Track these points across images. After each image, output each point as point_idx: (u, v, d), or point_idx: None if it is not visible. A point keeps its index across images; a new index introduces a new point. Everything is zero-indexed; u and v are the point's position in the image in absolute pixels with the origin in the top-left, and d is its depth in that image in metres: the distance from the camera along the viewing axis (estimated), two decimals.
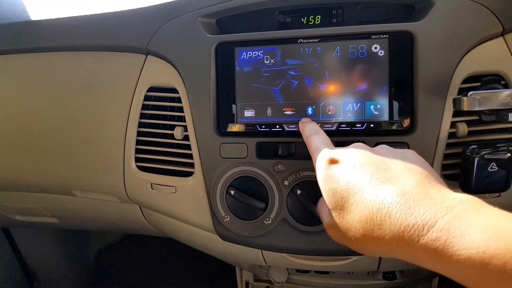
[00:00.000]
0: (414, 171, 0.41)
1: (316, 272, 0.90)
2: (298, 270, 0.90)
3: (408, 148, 0.59)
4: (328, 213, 0.47)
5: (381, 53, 0.60)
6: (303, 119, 0.60)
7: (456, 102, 0.53)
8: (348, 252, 0.65)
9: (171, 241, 0.90)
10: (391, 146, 0.58)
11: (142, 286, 1.45)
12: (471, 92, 0.52)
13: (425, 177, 0.41)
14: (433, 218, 0.34)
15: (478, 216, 0.33)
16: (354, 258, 0.68)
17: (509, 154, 0.55)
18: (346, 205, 0.42)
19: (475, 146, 0.56)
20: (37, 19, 0.74)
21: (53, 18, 0.73)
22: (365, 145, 0.49)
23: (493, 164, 0.55)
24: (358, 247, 0.44)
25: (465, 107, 0.51)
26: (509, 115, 0.51)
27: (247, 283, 1.03)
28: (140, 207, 0.80)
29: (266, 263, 0.75)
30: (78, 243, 1.47)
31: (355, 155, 0.45)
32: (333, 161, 0.46)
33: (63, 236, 1.40)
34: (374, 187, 0.40)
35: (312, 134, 0.54)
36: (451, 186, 0.58)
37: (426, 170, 0.42)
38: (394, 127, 0.60)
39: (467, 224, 0.32)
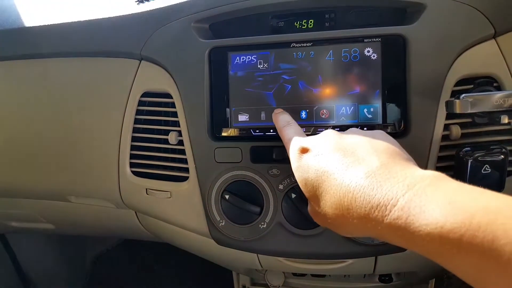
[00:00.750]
0: (380, 151, 0.42)
1: (313, 275, 0.90)
2: (294, 274, 0.90)
3: None
4: (308, 202, 0.48)
5: (374, 56, 0.60)
6: (276, 110, 0.61)
7: (448, 104, 0.54)
8: (344, 256, 0.66)
9: (168, 246, 0.90)
10: None
11: None
12: (463, 95, 0.52)
13: (390, 155, 0.41)
14: (394, 197, 0.35)
15: (437, 191, 0.33)
16: (350, 261, 0.68)
17: (502, 156, 0.55)
18: (318, 192, 0.43)
19: (468, 148, 0.56)
20: (31, 25, 0.74)
21: (46, 24, 0.73)
22: (334, 131, 0.50)
23: (486, 166, 0.55)
24: (337, 230, 0.45)
25: (458, 110, 0.52)
26: (501, 117, 0.51)
27: (244, 287, 1.03)
28: (135, 212, 0.80)
29: (262, 267, 0.75)
30: (75, 248, 1.47)
31: (323, 142, 0.46)
32: (304, 150, 0.47)
33: (59, 242, 1.40)
34: (340, 173, 0.41)
35: (285, 126, 0.55)
36: None
37: (393, 148, 0.43)
38: (387, 130, 0.60)
39: (426, 201, 0.33)
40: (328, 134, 0.48)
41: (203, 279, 1.40)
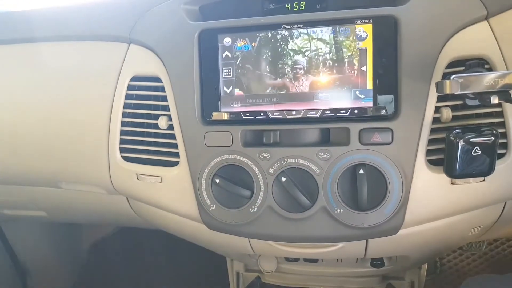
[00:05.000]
0: None
1: (305, 260, 0.90)
2: (287, 259, 0.90)
3: (392, 133, 0.58)
4: None
5: (365, 38, 0.59)
6: None
7: (438, 85, 0.53)
8: (334, 239, 0.66)
9: (164, 233, 0.90)
10: (375, 131, 0.59)
11: (135, 279, 1.45)
12: (453, 76, 0.51)
13: None
14: None
15: None
16: (341, 245, 0.68)
17: (493, 138, 0.55)
18: None
19: (459, 130, 0.56)
20: (16, 10, 0.73)
21: (32, 8, 0.72)
22: None
23: (476, 148, 0.55)
24: None
25: (447, 91, 0.51)
26: (492, 97, 0.51)
27: (238, 274, 1.04)
28: (127, 198, 0.80)
29: (254, 251, 0.75)
30: (70, 237, 1.46)
31: None
32: None
33: (55, 231, 1.39)
34: None
35: None
36: (436, 172, 0.59)
37: None
38: (378, 113, 0.60)
39: None
40: None
41: (199, 266, 1.40)
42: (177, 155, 0.66)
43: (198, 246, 0.86)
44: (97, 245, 1.53)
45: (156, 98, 0.68)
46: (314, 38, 0.60)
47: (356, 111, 0.60)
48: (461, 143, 0.55)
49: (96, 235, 1.53)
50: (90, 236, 1.52)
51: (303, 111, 0.61)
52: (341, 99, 0.60)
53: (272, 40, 0.61)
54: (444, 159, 0.57)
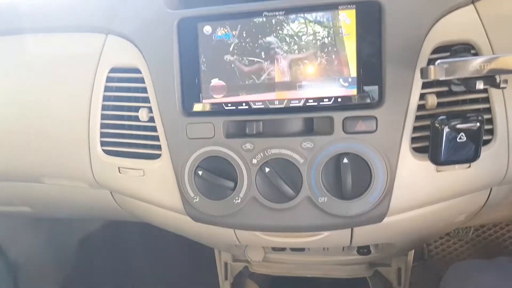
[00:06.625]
0: None
1: (292, 249, 0.90)
2: (274, 249, 0.90)
3: (376, 121, 0.57)
4: None
5: (348, 24, 0.58)
6: None
7: (423, 71, 0.52)
8: (319, 228, 0.65)
9: (151, 226, 0.89)
10: (359, 120, 0.58)
11: (123, 272, 1.45)
12: (438, 61, 0.50)
13: None
14: None
15: None
16: (325, 233, 0.68)
17: (478, 124, 0.54)
18: None
19: (444, 117, 0.55)
20: None
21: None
22: None
23: (462, 135, 0.54)
24: None
25: (432, 76, 0.50)
26: (477, 83, 0.50)
27: (226, 264, 1.03)
28: (111, 192, 0.78)
29: (240, 242, 0.74)
30: (60, 232, 1.45)
31: None
32: None
33: (44, 226, 1.38)
34: None
35: None
36: (421, 159, 0.59)
37: None
38: (362, 101, 0.58)
39: None
40: None
41: (188, 257, 1.40)
42: (158, 147, 0.65)
43: (186, 238, 0.86)
44: (86, 240, 1.52)
45: (136, 89, 0.66)
46: (297, 25, 0.59)
47: (339, 100, 0.59)
48: (446, 129, 0.54)
49: (85, 230, 1.52)
50: (79, 231, 1.51)
51: (285, 101, 0.60)
52: (324, 88, 0.59)
53: (254, 28, 0.60)
54: (429, 146, 0.56)
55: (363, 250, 0.86)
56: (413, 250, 0.96)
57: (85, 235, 1.52)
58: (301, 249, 0.90)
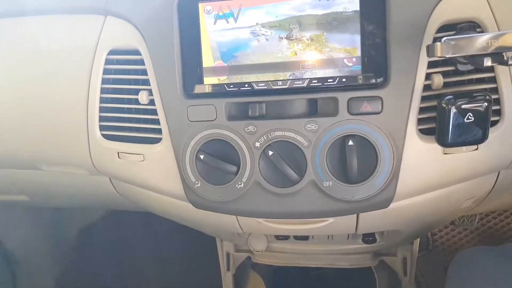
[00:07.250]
0: None
1: (296, 238, 0.88)
2: (277, 238, 0.88)
3: (382, 101, 0.56)
4: None
5: (353, 2, 0.56)
6: None
7: (429, 49, 0.50)
8: (324, 213, 0.64)
9: (153, 216, 0.88)
10: (364, 100, 0.57)
11: (126, 264, 1.44)
12: (445, 38, 0.49)
13: None
14: None
15: None
16: (331, 220, 0.67)
17: (486, 104, 0.53)
18: None
19: (450, 96, 0.53)
20: None
21: None
22: None
23: (469, 115, 0.53)
24: None
25: (439, 54, 0.49)
26: (485, 60, 0.49)
27: (228, 254, 1.02)
28: (110, 179, 0.77)
29: (242, 230, 0.73)
30: (58, 224, 1.44)
31: None
32: None
33: (42, 217, 1.37)
34: None
35: None
36: (427, 141, 0.57)
37: None
38: (367, 81, 0.57)
39: None
40: None
41: (189, 248, 1.39)
42: (159, 131, 0.64)
43: (187, 228, 0.84)
44: (85, 231, 1.51)
45: (135, 72, 0.65)
46: (301, 7, 0.57)
47: (344, 80, 0.57)
48: (453, 110, 0.52)
49: (84, 221, 1.51)
50: (78, 222, 1.50)
51: (289, 81, 0.59)
52: (328, 68, 0.58)
53: (256, 8, 0.58)
54: (436, 127, 0.55)
55: (368, 238, 0.84)
56: (419, 240, 0.95)
57: (84, 225, 1.51)
58: (305, 238, 0.89)
